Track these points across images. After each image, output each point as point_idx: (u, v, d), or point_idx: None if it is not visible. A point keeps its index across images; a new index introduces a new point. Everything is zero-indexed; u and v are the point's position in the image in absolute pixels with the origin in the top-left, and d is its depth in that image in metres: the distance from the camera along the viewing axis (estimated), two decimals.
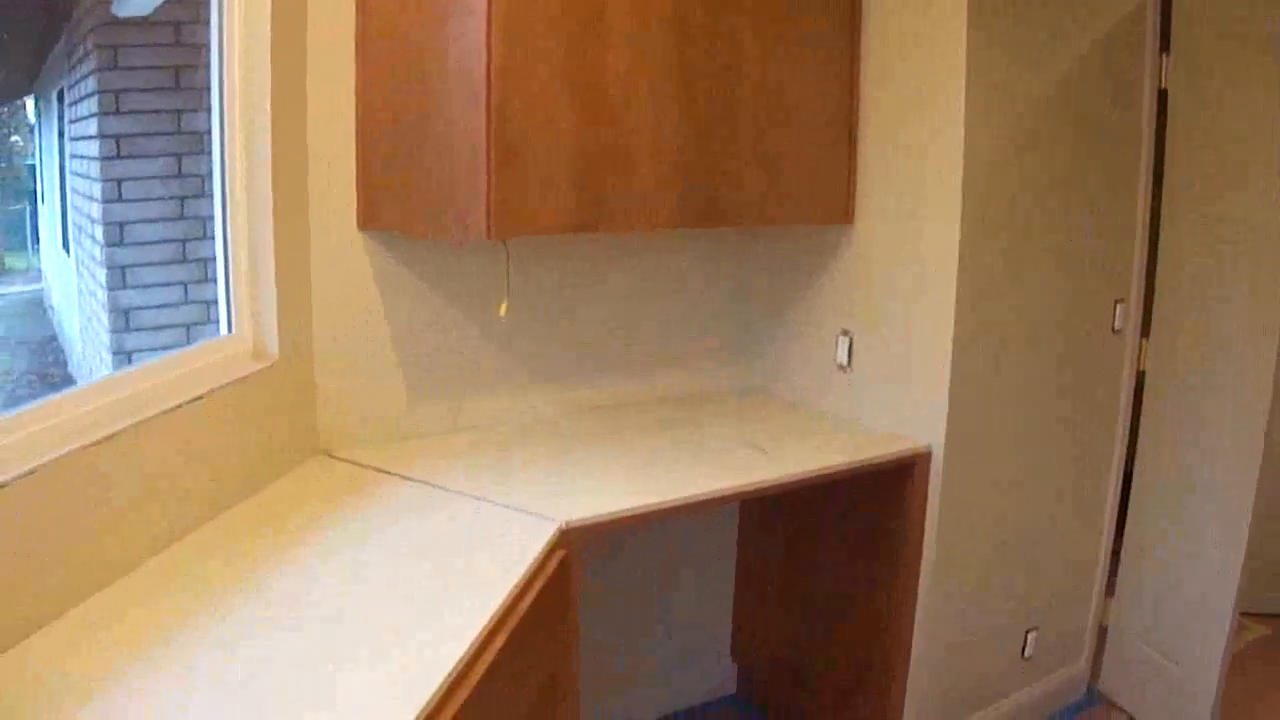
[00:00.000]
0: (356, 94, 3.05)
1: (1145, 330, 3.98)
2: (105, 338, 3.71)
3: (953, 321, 3.24)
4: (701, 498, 2.91)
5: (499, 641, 2.13)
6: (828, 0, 3.37)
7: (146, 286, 3.71)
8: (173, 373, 2.61)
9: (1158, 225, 3.92)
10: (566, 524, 2.65)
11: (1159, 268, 3.92)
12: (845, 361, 3.57)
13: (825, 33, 3.38)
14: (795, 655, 3.96)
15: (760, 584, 4.09)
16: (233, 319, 2.95)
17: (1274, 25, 3.44)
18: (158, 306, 3.73)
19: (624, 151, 2.98)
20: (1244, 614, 4.97)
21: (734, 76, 3.17)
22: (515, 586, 2.31)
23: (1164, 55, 3.81)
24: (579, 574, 2.69)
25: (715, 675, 4.23)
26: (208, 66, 2.92)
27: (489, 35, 2.68)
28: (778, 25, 3.24)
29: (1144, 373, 3.99)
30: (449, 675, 1.90)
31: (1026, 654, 3.89)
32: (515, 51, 2.73)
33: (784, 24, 3.26)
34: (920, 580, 3.44)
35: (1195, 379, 3.82)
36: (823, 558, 3.76)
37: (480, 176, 2.76)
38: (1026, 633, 3.88)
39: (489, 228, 2.77)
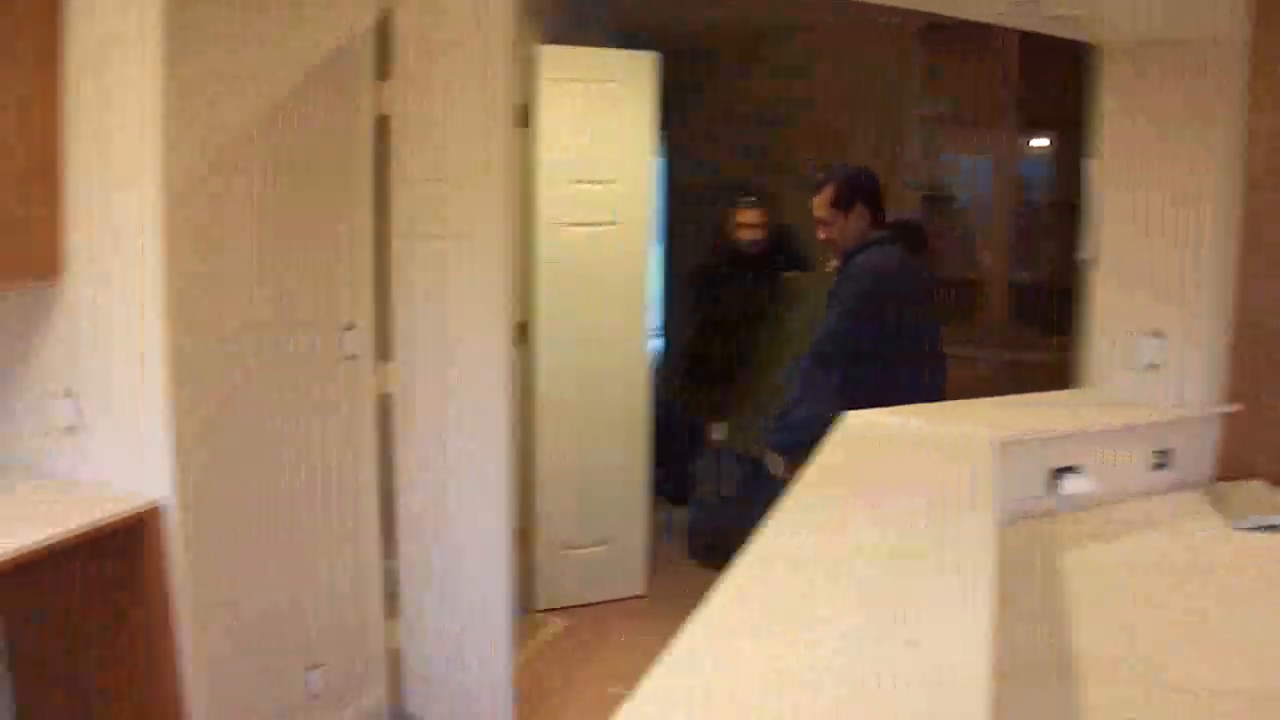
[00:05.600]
0: None
1: (386, 354, 4.03)
2: None
3: (166, 368, 3.08)
4: None
5: None
6: (17, 41, 3.09)
7: None
8: None
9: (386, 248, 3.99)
10: None
11: (392, 290, 3.98)
12: (73, 423, 3.34)
13: (17, 77, 3.05)
14: None
15: (37, 678, 3.77)
16: None
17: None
18: None
19: None
20: (547, 610, 5.19)
21: None
22: None
23: (383, 81, 3.89)
24: None
25: None
26: None
27: None
28: None
29: (390, 394, 4.04)
30: None
31: (314, 693, 3.83)
32: None
33: None
34: (179, 639, 3.28)
35: (440, 396, 3.94)
36: (83, 637, 3.50)
37: None
38: (308, 671, 3.80)
39: None
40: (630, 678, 4.44)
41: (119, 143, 3.13)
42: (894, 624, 1.80)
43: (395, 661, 4.26)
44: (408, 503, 4.13)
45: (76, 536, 2.96)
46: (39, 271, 3.24)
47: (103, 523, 3.03)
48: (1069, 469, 3.35)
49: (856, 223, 4.24)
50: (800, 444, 4.02)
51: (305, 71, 3.57)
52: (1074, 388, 4.00)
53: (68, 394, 3.31)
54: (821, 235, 4.30)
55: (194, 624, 3.28)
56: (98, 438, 3.30)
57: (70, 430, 3.32)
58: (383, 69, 3.91)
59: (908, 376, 4.02)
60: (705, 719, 1.50)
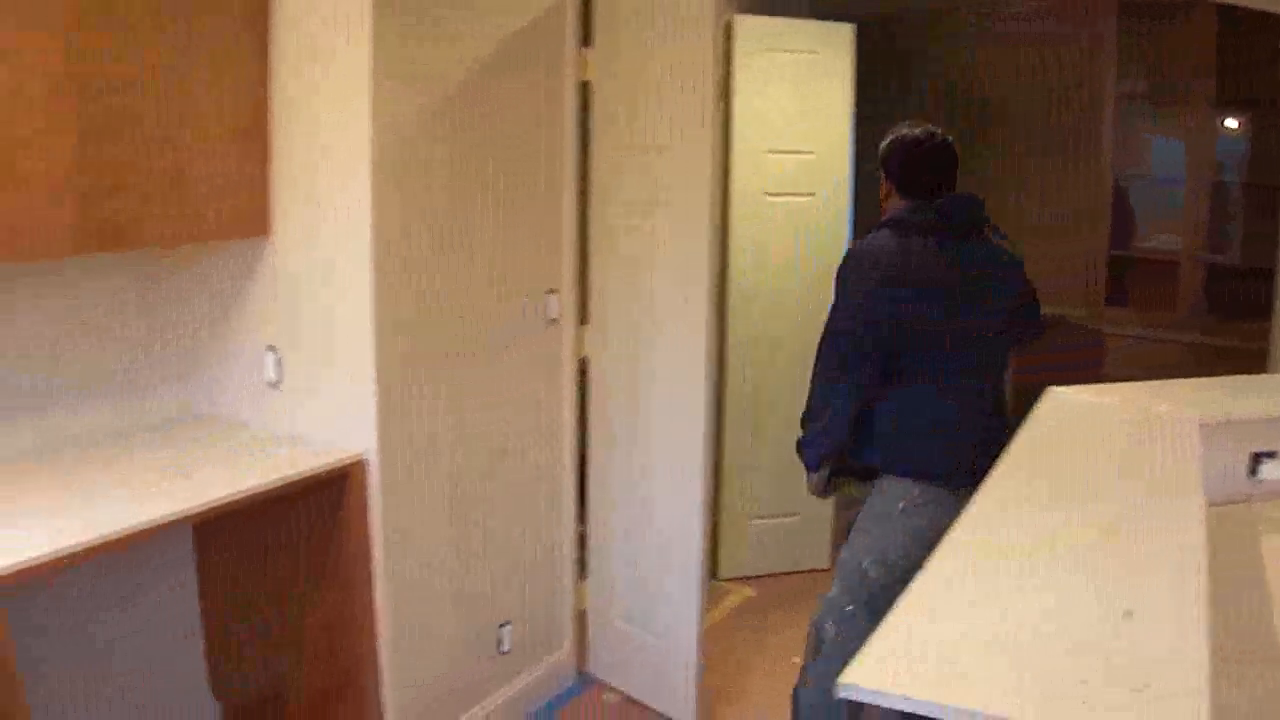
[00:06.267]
0: None
1: (585, 318, 4.09)
2: None
3: (371, 326, 3.18)
4: (121, 534, 2.71)
5: None
6: (232, 7, 3.20)
7: None
8: None
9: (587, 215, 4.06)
10: None
11: (590, 256, 4.05)
12: (275, 378, 3.45)
13: (232, 41, 3.21)
14: (274, 683, 3.81)
15: (228, 615, 3.89)
16: None
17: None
18: None
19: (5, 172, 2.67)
20: (732, 579, 5.21)
21: (135, 90, 2.93)
22: None
23: (585, 48, 3.93)
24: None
25: (198, 716, 4.02)
26: None
27: None
28: (180, 37, 3.03)
29: (587, 358, 4.10)
30: None
31: (504, 649, 3.90)
32: None
33: (187, 35, 3.05)
34: (376, 590, 3.36)
35: (638, 361, 3.99)
36: (281, 580, 3.58)
37: None
38: (500, 628, 3.89)
39: None
40: None
41: (327, 104, 3.23)
42: (1110, 597, 1.80)
43: (583, 623, 4.34)
44: (602, 466, 4.20)
45: (281, 487, 3.08)
46: (250, 229, 3.38)
47: (310, 474, 3.16)
48: (1268, 454, 3.26)
49: (882, 196, 3.44)
50: (823, 455, 3.71)
51: (510, 36, 3.61)
52: (1272, 371, 3.90)
53: (271, 349, 3.43)
54: None
55: (391, 576, 3.39)
56: (300, 392, 3.44)
57: (273, 384, 3.44)
58: (586, 35, 3.95)
59: (921, 383, 3.37)
60: (933, 677, 1.51)
